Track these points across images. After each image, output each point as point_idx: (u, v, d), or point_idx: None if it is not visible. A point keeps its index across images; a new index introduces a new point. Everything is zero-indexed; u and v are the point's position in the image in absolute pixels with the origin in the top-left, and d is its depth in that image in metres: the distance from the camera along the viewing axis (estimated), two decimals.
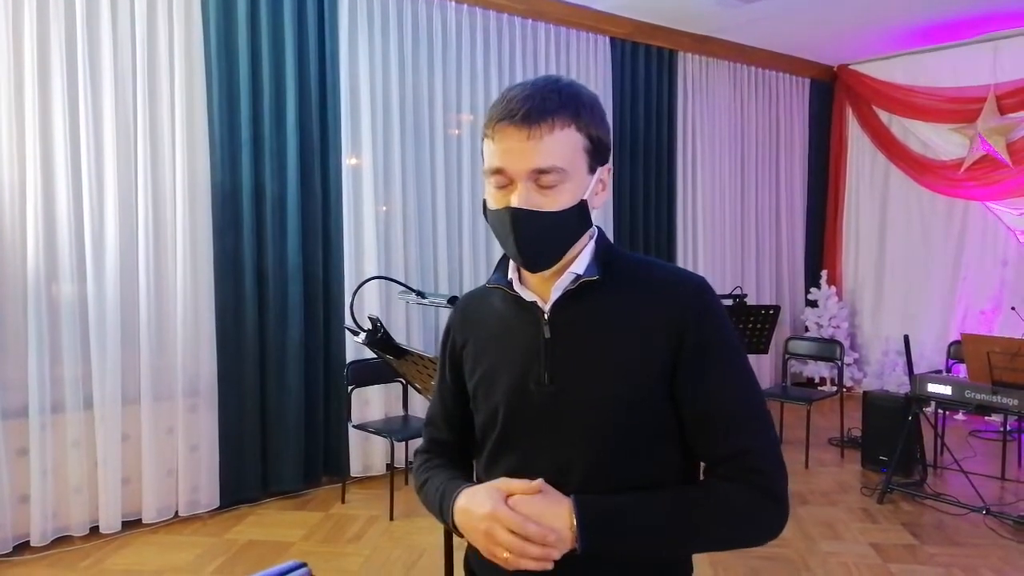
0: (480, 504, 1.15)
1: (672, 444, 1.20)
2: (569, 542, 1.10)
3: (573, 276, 1.20)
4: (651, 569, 1.20)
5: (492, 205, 1.18)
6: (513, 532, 1.09)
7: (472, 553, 1.33)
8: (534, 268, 1.19)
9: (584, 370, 1.18)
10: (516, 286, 1.25)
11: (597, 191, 1.21)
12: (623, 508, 1.12)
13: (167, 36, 3.96)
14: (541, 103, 1.11)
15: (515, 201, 1.13)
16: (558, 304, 1.21)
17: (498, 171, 1.14)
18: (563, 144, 1.12)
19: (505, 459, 1.24)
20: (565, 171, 1.13)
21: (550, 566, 1.09)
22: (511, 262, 1.27)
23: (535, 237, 1.15)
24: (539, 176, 1.12)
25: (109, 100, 3.81)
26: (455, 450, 1.40)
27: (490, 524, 1.11)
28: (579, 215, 1.17)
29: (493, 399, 1.26)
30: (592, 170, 1.18)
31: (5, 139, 3.58)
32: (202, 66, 4.07)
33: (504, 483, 1.16)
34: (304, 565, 0.94)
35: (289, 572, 0.92)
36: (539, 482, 1.14)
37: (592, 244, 1.24)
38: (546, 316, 1.21)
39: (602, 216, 5.73)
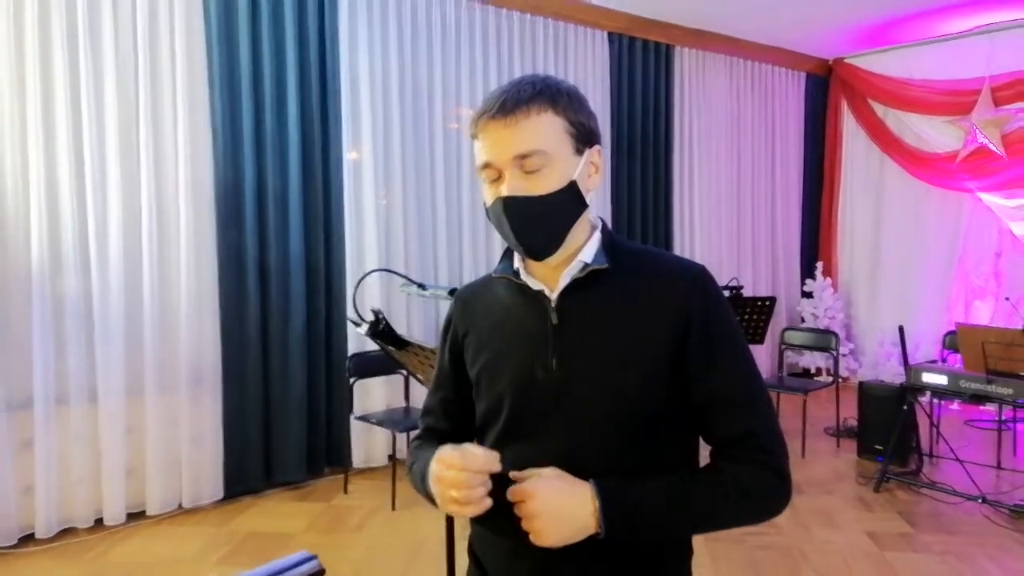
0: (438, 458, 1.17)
1: (677, 428, 1.23)
2: (592, 527, 1.12)
3: (581, 264, 1.22)
4: (653, 550, 1.22)
5: (488, 201, 1.21)
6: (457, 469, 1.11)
7: (475, 537, 1.35)
8: (537, 256, 1.21)
9: (591, 356, 1.20)
10: (522, 275, 1.27)
11: (589, 173, 1.23)
12: (642, 491, 1.15)
13: (168, 31, 3.97)
14: (516, 94, 1.16)
15: (504, 191, 1.16)
16: (565, 292, 1.23)
17: (486, 165, 1.19)
18: (542, 128, 1.16)
19: (511, 446, 1.24)
20: (547, 153, 1.16)
21: (484, 504, 1.11)
22: (516, 253, 1.29)
23: (529, 222, 1.17)
24: (523, 161, 1.15)
25: (112, 95, 3.83)
26: (451, 439, 1.39)
27: (435, 466, 1.15)
28: (570, 196, 1.19)
29: (498, 386, 1.27)
30: (579, 152, 1.20)
31: (8, 133, 3.59)
32: (204, 60, 4.08)
33: (466, 446, 1.16)
34: (314, 557, 0.95)
35: (299, 564, 0.94)
36: (495, 454, 1.14)
37: (599, 234, 1.26)
38: (553, 303, 1.23)
39: (599, 209, 5.75)
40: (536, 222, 1.17)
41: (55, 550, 3.64)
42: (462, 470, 1.11)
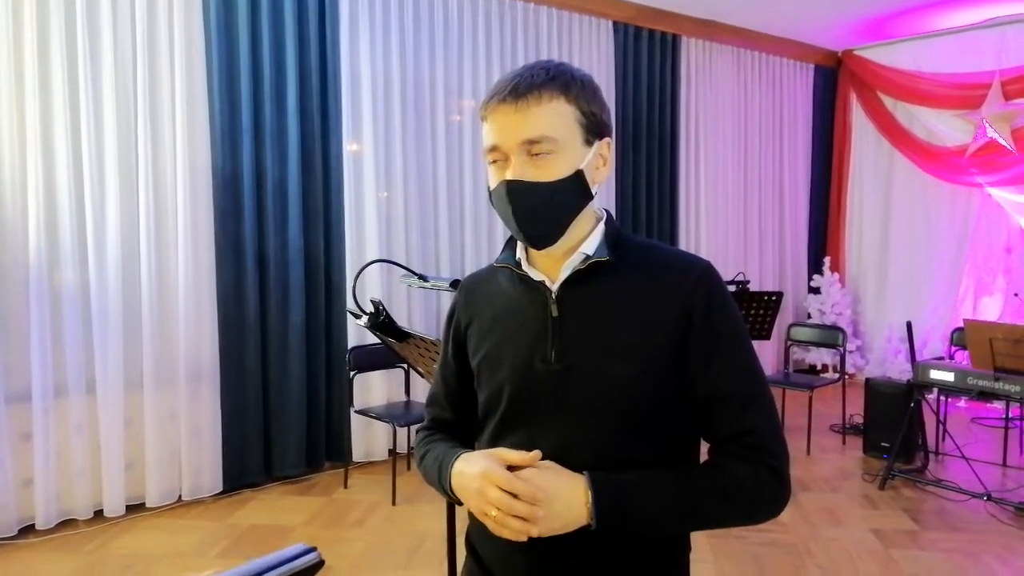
0: (474, 464, 1.17)
1: (676, 424, 1.21)
2: (583, 518, 1.11)
3: (583, 256, 1.21)
4: (649, 545, 1.21)
5: (491, 185, 1.20)
6: (506, 492, 1.10)
7: (472, 529, 1.34)
8: (537, 244, 1.19)
9: (591, 349, 1.18)
10: (524, 265, 1.26)
11: (597, 165, 1.21)
12: (636, 485, 1.14)
13: (167, 22, 3.94)
14: (529, 79, 1.14)
15: (509, 174, 1.15)
16: (566, 284, 1.22)
17: (493, 148, 1.17)
18: (552, 114, 1.14)
19: (509, 437, 1.24)
20: (556, 140, 1.14)
21: (535, 532, 1.09)
22: (519, 244, 1.28)
23: (531, 209, 1.16)
24: (530, 146, 1.14)
25: (109, 86, 3.80)
26: (457, 429, 1.41)
27: (482, 482, 1.12)
28: (576, 185, 1.17)
29: (498, 377, 1.26)
30: (588, 143, 1.19)
31: (6, 125, 3.57)
32: (202, 51, 4.05)
33: (501, 451, 1.17)
34: (314, 549, 0.93)
35: (298, 556, 0.92)
36: (536, 453, 1.15)
37: (602, 226, 1.25)
38: (554, 295, 1.22)
39: (605, 201, 5.71)
40: (539, 209, 1.16)
41: (54, 541, 3.63)
42: (509, 491, 1.10)
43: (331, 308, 4.56)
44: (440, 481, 1.26)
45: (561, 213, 1.18)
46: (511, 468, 1.14)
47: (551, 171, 1.15)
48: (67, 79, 3.67)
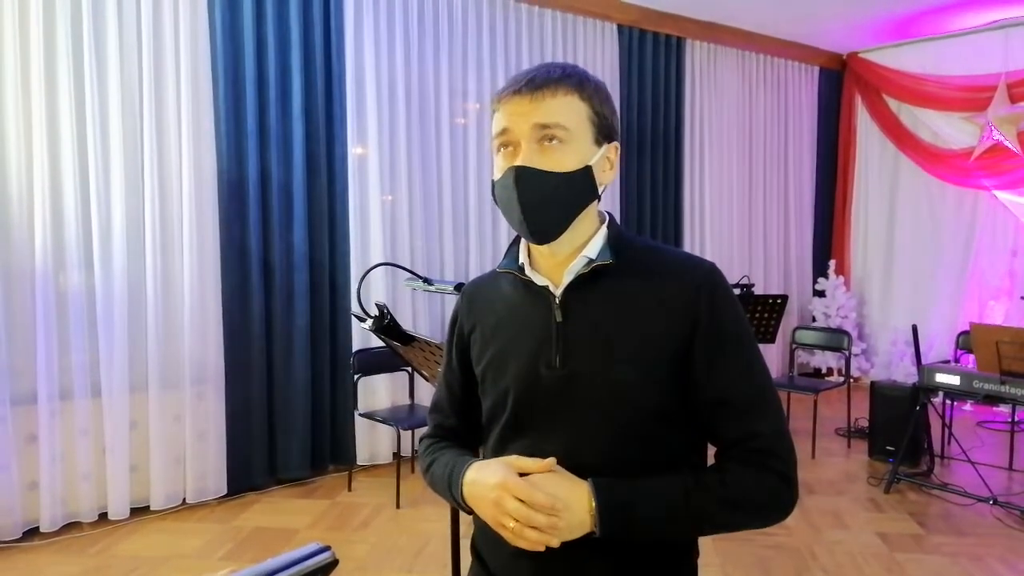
0: (491, 475, 1.16)
1: (682, 427, 1.20)
2: (588, 525, 1.11)
3: (586, 260, 1.20)
4: (657, 550, 1.20)
5: (497, 175, 1.19)
6: (521, 501, 1.09)
7: (478, 535, 1.33)
8: (539, 238, 1.18)
9: (596, 353, 1.18)
10: (527, 270, 1.25)
11: (604, 168, 1.21)
12: (640, 491, 1.13)
13: (173, 26, 3.96)
14: (545, 73, 1.15)
15: (519, 161, 1.14)
16: (570, 288, 1.21)
17: (503, 131, 1.16)
18: (566, 107, 1.14)
19: (514, 443, 1.24)
20: (568, 130, 1.14)
21: (555, 542, 1.09)
22: (521, 248, 1.27)
23: (538, 198, 1.14)
24: (542, 132, 1.13)
25: (115, 90, 3.81)
26: (461, 436, 1.40)
27: (499, 493, 1.11)
28: (583, 180, 1.17)
29: (503, 383, 1.25)
30: (598, 143, 1.19)
31: (12, 129, 3.58)
32: (208, 55, 4.06)
33: (516, 459, 1.16)
34: (328, 548, 0.94)
35: (312, 555, 0.92)
36: (551, 460, 1.14)
37: (604, 229, 1.24)
38: (557, 300, 1.21)
39: (609, 204, 5.71)
40: (545, 199, 1.15)
41: (59, 544, 3.64)
42: (527, 504, 1.10)
43: (335, 311, 4.56)
44: (450, 490, 1.25)
45: (567, 207, 1.17)
46: (522, 475, 1.13)
47: (561, 162, 1.14)
48: (73, 83, 3.68)
